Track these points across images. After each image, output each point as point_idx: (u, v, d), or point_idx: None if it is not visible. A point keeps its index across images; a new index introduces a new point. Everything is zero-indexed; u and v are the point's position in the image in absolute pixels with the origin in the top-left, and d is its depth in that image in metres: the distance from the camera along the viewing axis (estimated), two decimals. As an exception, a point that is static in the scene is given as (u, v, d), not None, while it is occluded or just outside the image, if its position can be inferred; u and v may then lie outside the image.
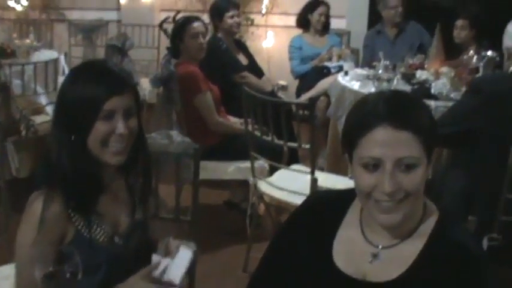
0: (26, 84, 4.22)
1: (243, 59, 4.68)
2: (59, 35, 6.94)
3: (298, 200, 3.15)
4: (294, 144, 3.30)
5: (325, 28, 5.49)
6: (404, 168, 1.35)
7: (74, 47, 6.75)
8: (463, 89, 3.63)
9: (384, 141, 1.35)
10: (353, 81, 4.15)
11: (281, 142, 3.29)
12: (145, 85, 5.30)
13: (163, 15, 5.09)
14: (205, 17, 5.53)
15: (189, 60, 3.82)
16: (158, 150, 2.29)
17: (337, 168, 3.94)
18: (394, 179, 1.35)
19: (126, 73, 1.71)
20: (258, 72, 4.78)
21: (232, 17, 4.54)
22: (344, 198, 1.56)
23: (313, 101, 3.51)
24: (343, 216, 1.54)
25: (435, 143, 1.41)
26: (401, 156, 1.35)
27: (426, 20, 5.26)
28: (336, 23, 5.68)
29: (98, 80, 1.60)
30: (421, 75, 4.06)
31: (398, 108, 1.38)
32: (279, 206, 3.40)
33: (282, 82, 5.50)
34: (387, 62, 4.08)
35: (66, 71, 4.64)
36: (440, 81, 3.82)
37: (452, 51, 4.74)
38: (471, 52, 4.28)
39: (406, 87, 3.89)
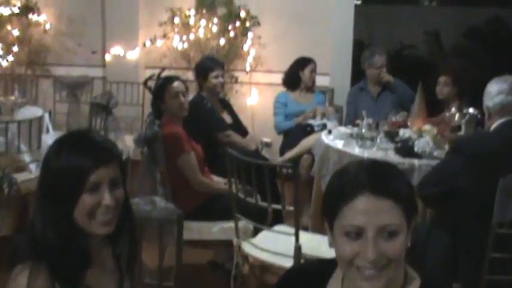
0: (10, 142, 4.20)
1: (227, 118, 4.71)
2: (44, 91, 6.94)
3: (282, 262, 3.16)
4: (278, 206, 3.29)
5: (313, 84, 5.54)
6: (387, 236, 1.37)
7: (58, 103, 6.73)
8: (446, 146, 3.67)
9: (366, 210, 1.36)
10: (337, 140, 4.16)
11: (265, 204, 3.29)
12: (129, 142, 5.28)
13: (148, 73, 5.12)
14: (190, 74, 5.60)
15: (172, 120, 3.80)
16: (141, 216, 2.27)
17: (321, 227, 3.89)
18: (376, 246, 1.36)
19: (111, 143, 1.69)
20: (242, 131, 4.79)
21: (216, 76, 4.59)
22: (324, 269, 1.56)
23: (295, 162, 3.52)
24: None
25: (414, 211, 1.44)
26: (384, 224, 1.36)
27: (409, 77, 5.35)
28: (320, 81, 5.74)
29: (82, 152, 1.58)
30: (404, 133, 4.08)
31: (379, 177, 1.41)
32: (263, 267, 3.38)
33: (266, 139, 5.51)
34: (370, 121, 4.11)
35: (51, 129, 4.63)
36: (423, 139, 3.84)
37: (435, 107, 4.80)
38: (453, 109, 4.33)
39: (389, 146, 3.92)
